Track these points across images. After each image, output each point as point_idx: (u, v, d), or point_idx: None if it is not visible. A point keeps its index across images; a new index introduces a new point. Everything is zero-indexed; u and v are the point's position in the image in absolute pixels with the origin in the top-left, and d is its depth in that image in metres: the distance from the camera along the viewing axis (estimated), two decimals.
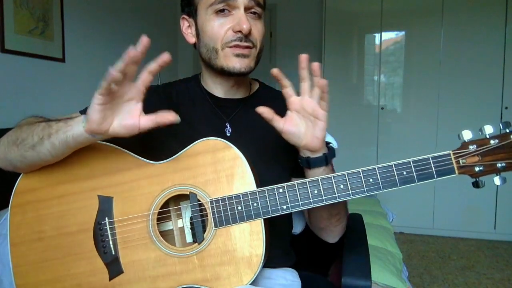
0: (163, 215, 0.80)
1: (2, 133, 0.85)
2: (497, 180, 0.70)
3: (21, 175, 0.82)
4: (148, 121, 0.68)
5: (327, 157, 0.78)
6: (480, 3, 3.08)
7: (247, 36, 0.83)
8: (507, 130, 0.68)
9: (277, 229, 0.85)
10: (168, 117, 0.68)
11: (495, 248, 3.01)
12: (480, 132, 0.69)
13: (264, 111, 0.76)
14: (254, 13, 0.86)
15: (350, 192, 0.72)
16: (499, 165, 0.68)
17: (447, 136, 3.21)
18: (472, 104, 3.13)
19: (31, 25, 2.12)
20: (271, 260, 0.85)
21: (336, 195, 0.73)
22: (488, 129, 0.68)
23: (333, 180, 0.73)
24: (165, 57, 0.67)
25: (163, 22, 3.64)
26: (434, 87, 3.21)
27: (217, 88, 0.93)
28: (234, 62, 0.84)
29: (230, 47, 0.84)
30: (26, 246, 0.80)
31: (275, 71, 0.75)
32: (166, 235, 0.83)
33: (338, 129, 3.18)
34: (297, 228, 1.08)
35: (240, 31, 0.82)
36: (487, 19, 3.07)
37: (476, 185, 0.71)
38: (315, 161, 0.78)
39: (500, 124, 0.68)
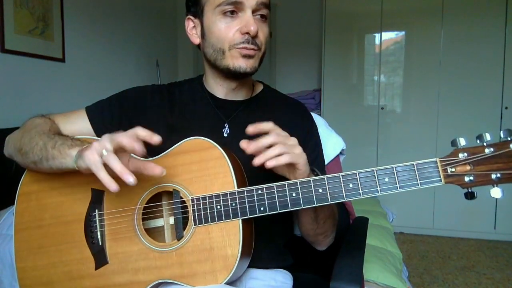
0: (150, 210, 0.82)
1: (2, 133, 0.87)
2: (494, 192, 0.63)
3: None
4: (134, 168, 0.71)
5: None
6: (480, 3, 3.08)
7: (254, 38, 0.84)
8: (509, 138, 0.62)
9: (267, 230, 0.86)
10: (154, 170, 0.70)
11: (495, 248, 3.00)
12: (478, 140, 0.64)
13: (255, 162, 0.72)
14: (262, 16, 0.87)
15: (329, 197, 0.71)
16: (493, 176, 0.62)
17: (447, 136, 3.19)
18: (472, 104, 3.13)
19: (31, 25, 2.12)
20: (260, 260, 0.85)
21: (314, 199, 0.71)
22: (487, 137, 0.63)
23: (311, 184, 0.71)
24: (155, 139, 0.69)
25: (163, 22, 3.64)
26: (434, 87, 3.21)
27: (218, 89, 0.94)
28: (241, 62, 0.85)
29: (238, 48, 0.85)
30: (28, 232, 0.85)
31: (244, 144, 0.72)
32: (158, 231, 0.85)
33: (338, 129, 3.16)
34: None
35: (247, 33, 0.83)
36: (487, 19, 3.07)
37: (469, 196, 0.65)
38: None
39: (501, 132, 0.62)
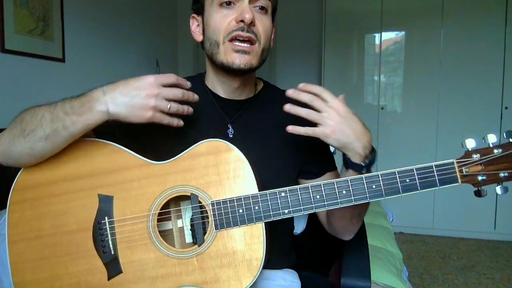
0: (163, 216, 0.79)
1: None
2: (498, 190, 0.70)
3: (20, 171, 0.80)
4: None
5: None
6: (480, 3, 3.08)
7: (249, 26, 0.81)
8: (511, 140, 0.68)
9: (277, 230, 0.85)
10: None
11: (495, 248, 3.00)
12: (483, 141, 0.69)
13: None
14: (262, 8, 0.84)
15: (353, 198, 0.72)
16: (501, 174, 0.68)
17: (447, 136, 3.20)
18: (472, 104, 3.13)
19: (31, 25, 2.12)
20: (271, 261, 0.84)
21: (338, 200, 0.72)
22: (492, 138, 0.68)
23: (335, 186, 0.72)
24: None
25: (163, 22, 3.64)
26: (434, 87, 3.21)
27: (221, 88, 0.91)
28: (234, 58, 0.82)
29: (231, 40, 0.82)
30: (25, 243, 0.79)
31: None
32: (166, 235, 0.82)
33: None
34: (298, 228, 1.08)
35: (242, 21, 0.80)
36: (487, 19, 3.07)
37: (478, 194, 0.70)
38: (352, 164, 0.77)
39: (504, 133, 0.68)
